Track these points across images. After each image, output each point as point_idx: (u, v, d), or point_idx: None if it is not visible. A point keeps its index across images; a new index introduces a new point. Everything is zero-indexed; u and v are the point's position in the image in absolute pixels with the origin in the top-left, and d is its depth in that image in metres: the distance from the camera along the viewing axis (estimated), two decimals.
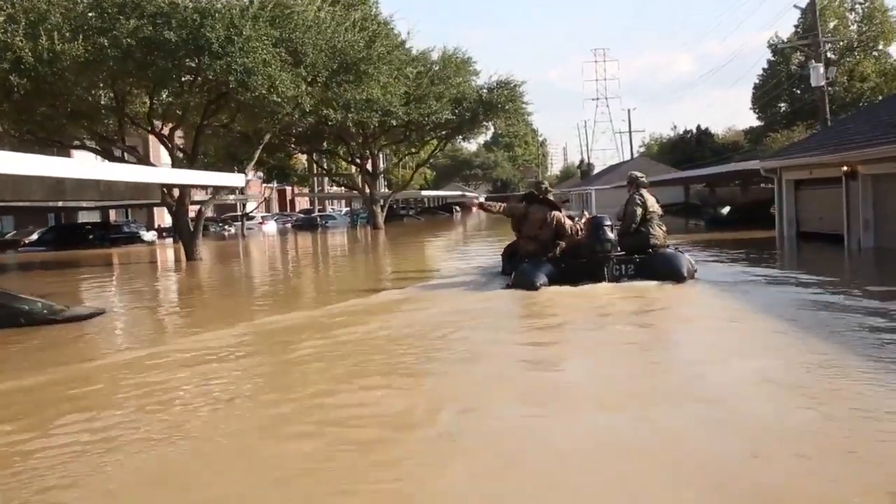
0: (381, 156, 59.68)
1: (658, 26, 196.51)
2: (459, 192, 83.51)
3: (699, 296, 9.42)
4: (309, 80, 18.13)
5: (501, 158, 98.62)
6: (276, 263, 20.89)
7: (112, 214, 44.26)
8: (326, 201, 67.55)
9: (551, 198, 11.14)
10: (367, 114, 27.93)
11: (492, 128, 37.71)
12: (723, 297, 9.17)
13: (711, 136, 59.31)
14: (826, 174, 15.50)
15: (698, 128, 59.79)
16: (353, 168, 43.23)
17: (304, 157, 47.26)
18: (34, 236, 34.56)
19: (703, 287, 9.87)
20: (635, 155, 71.44)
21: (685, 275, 9.83)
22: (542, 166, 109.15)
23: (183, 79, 17.74)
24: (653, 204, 10.62)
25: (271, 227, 46.89)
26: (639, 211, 10.48)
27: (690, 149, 56.58)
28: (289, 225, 49.72)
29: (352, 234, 37.53)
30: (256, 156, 21.62)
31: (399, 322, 8.63)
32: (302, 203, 69.24)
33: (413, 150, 43.29)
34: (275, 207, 64.96)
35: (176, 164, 20.23)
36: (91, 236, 34.49)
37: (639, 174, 11.19)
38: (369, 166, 39.13)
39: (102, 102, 18.44)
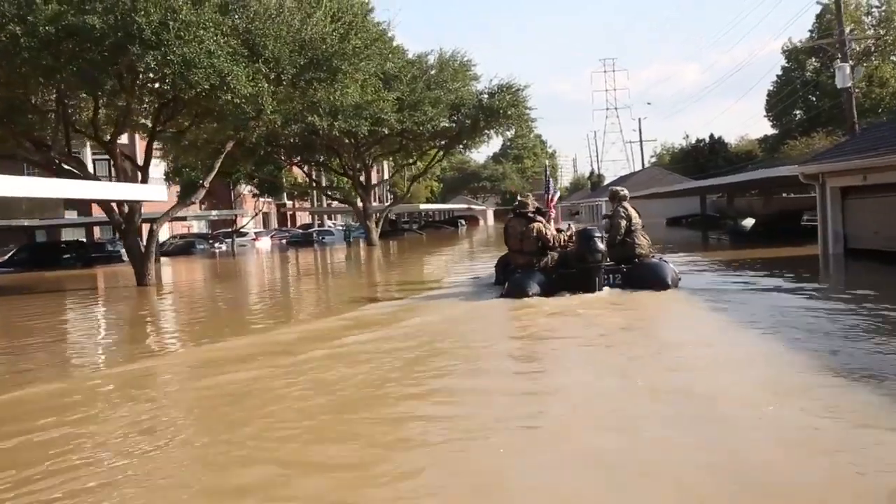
0: (384, 167, 57.45)
1: (666, 37, 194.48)
2: (465, 206, 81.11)
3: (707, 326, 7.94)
4: (272, 77, 15.60)
5: (510, 170, 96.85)
6: (241, 286, 18.27)
7: (97, 232, 41.99)
8: (326, 216, 65.44)
9: (529, 203, 11.29)
10: (356, 121, 25.59)
11: (494, 136, 35.11)
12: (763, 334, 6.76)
13: (725, 145, 57.10)
14: (884, 179, 12.83)
15: (711, 136, 57.57)
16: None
17: (302, 170, 44.91)
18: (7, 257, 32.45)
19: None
20: (646, 165, 69.05)
21: (669, 283, 10.27)
22: (552, 178, 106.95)
23: (124, 77, 15.14)
24: (635, 216, 11.07)
25: (265, 243, 44.58)
26: (623, 223, 10.91)
27: (703, 158, 54.37)
28: (284, 241, 47.46)
29: (344, 251, 35.12)
30: (217, 166, 19.05)
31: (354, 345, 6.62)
32: (303, 218, 67.02)
33: (410, 160, 40.78)
34: (273, 223, 62.72)
35: (123, 176, 17.74)
36: (67, 256, 32.36)
37: (620, 189, 11.69)
38: (363, 178, 36.72)
39: (33, 102, 16.01)
